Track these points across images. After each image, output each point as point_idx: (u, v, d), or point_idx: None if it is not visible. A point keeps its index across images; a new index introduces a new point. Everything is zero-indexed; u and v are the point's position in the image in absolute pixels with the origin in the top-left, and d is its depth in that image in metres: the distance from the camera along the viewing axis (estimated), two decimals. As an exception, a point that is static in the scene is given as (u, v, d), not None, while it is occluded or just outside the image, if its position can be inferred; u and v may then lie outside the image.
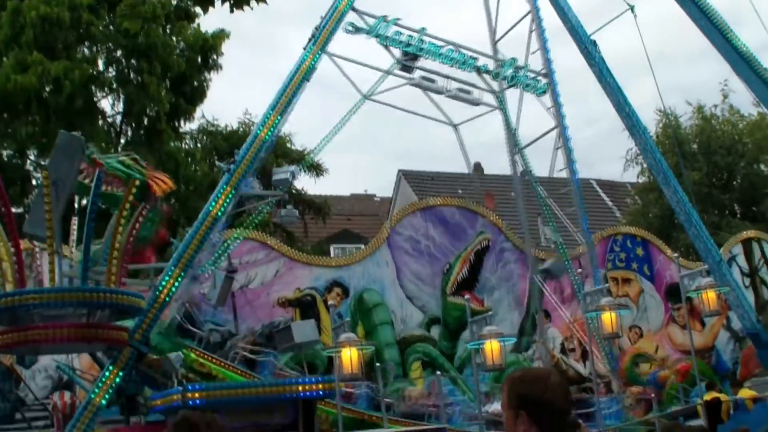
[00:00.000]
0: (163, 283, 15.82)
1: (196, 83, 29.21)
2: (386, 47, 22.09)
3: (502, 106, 24.62)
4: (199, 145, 32.59)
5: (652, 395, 19.74)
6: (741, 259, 28.42)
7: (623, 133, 26.15)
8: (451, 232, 24.25)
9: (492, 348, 15.21)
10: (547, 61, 24.32)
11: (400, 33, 21.99)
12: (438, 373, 20.74)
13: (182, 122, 30.10)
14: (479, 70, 23.54)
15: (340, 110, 22.52)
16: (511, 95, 24.58)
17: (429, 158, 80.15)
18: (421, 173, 41.89)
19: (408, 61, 22.26)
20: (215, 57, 29.56)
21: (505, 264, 24.71)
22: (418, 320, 23.28)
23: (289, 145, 33.82)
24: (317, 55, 18.25)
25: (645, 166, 35.22)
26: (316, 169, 34.00)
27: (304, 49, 18.55)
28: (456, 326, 22.89)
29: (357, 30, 21.34)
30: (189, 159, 28.86)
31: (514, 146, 24.80)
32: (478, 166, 45.52)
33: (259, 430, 13.85)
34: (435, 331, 23.36)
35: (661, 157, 25.58)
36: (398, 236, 23.70)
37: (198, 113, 30.95)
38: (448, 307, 23.37)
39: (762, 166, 38.68)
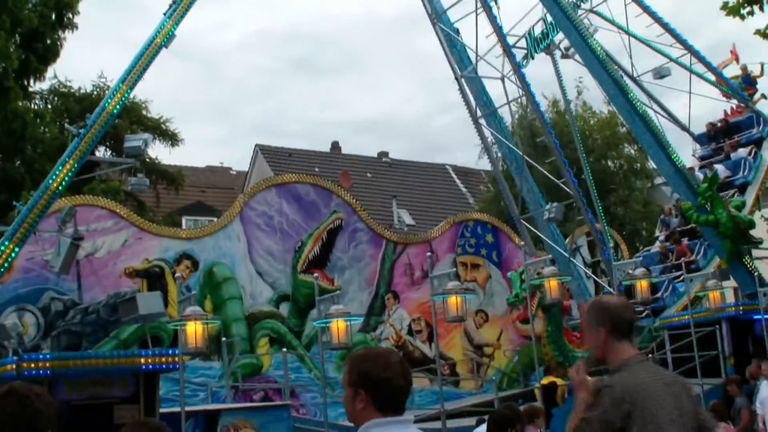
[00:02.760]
0: (2, 248, 15.21)
1: (48, 41, 28.04)
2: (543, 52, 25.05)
3: (605, 17, 26.35)
4: (49, 106, 31.44)
5: None
6: (585, 251, 29.41)
7: (479, 121, 26.54)
8: (305, 210, 24.19)
9: (338, 327, 15.28)
10: None
11: (540, 33, 24.77)
12: (285, 350, 20.73)
13: (32, 81, 28.88)
14: (578, 6, 25.27)
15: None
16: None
17: (287, 135, 79.93)
18: (279, 149, 41.69)
19: (553, 48, 25.58)
20: (71, 15, 28.46)
21: (357, 244, 24.83)
22: (267, 296, 23.14)
23: (144, 112, 33.04)
24: (177, 22, 17.78)
25: (499, 154, 36.02)
26: (172, 139, 33.36)
27: (164, 14, 18.06)
28: (305, 304, 22.86)
29: (526, 57, 24.53)
30: (38, 120, 27.75)
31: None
32: (335, 145, 45.70)
33: (97, 403, 13.47)
34: (284, 308, 23.29)
35: (514, 147, 26.19)
36: (251, 211, 23.46)
37: (50, 73, 29.81)
38: (298, 284, 23.34)
39: (609, 162, 40.19)
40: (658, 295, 24.14)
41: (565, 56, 26.17)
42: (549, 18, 24.89)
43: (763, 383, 14.12)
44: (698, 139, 27.12)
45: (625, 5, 25.68)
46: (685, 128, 27.58)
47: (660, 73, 26.69)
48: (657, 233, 26.57)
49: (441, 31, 24.58)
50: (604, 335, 4.28)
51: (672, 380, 4.27)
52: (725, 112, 27.31)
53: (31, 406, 3.25)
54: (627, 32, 25.48)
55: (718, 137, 26.79)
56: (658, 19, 25.64)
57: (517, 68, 23.58)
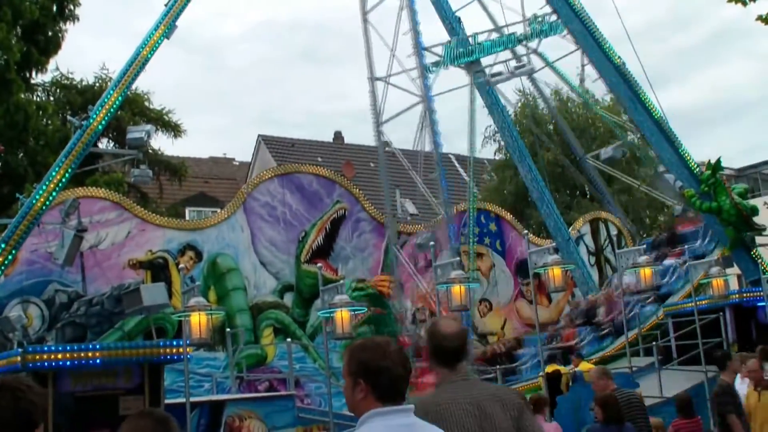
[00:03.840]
0: (6, 239, 15.26)
1: (50, 33, 28.01)
2: (459, 66, 24.35)
3: (547, 60, 25.89)
4: (51, 98, 31.40)
5: None
6: (588, 239, 29.45)
7: (482, 110, 26.59)
8: (308, 200, 24.22)
9: (342, 317, 15.27)
10: None
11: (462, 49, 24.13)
12: (289, 340, 20.76)
13: (34, 73, 28.87)
14: (519, 41, 24.70)
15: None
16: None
17: (291, 125, 79.83)
18: (282, 139, 41.64)
19: (476, 67, 24.44)
20: (72, 7, 28.44)
21: (361, 234, 24.87)
22: (271, 287, 23.20)
23: (147, 103, 33.01)
24: (178, 13, 17.78)
25: (502, 143, 36.04)
26: (174, 130, 33.34)
27: (166, 5, 18.06)
28: (309, 294, 22.93)
29: (438, 65, 23.92)
30: (40, 112, 27.73)
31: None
32: (338, 135, 45.64)
33: (103, 394, 13.51)
34: (288, 298, 23.34)
35: (517, 135, 26.19)
36: (254, 201, 23.50)
37: (52, 65, 29.79)
38: (301, 274, 23.40)
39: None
40: (516, 364, 24.04)
41: (489, 83, 24.97)
42: (481, 39, 24.36)
43: (737, 378, 14.09)
44: (644, 245, 26.38)
45: (583, 66, 25.23)
46: (632, 232, 26.89)
47: (612, 156, 25.90)
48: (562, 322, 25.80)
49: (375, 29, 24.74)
50: (427, 356, 4.59)
51: (484, 397, 4.31)
52: (676, 218, 26.78)
53: (24, 398, 3.22)
54: (578, 94, 25.13)
55: (661, 246, 26.25)
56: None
57: (423, 71, 23.32)
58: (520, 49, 25.09)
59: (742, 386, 13.41)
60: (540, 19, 24.25)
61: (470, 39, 24.32)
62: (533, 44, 25.05)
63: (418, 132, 24.47)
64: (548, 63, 25.79)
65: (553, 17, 24.40)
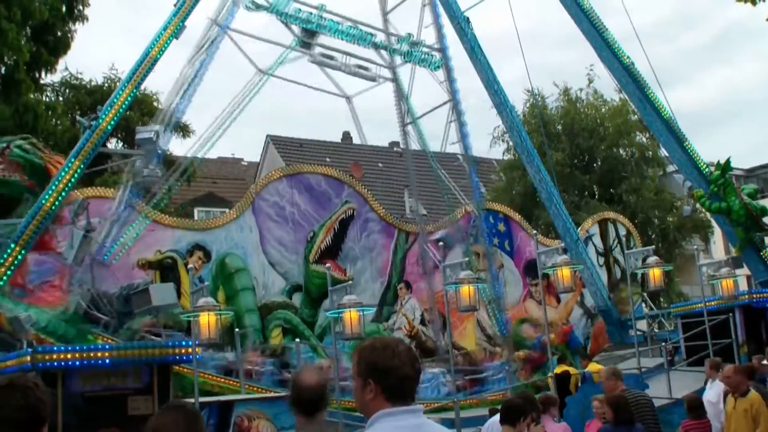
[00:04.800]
0: (17, 240, 15.32)
1: (59, 33, 28.07)
2: (286, 24, 22.17)
3: (396, 80, 25.11)
4: (61, 98, 31.48)
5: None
6: (597, 239, 29.37)
7: (491, 111, 26.58)
8: (317, 200, 24.20)
9: (351, 317, 15.31)
10: (441, 36, 24.62)
11: (299, 10, 22.12)
12: (297, 340, 20.77)
13: (43, 73, 28.91)
14: (376, 46, 23.86)
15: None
16: (406, 67, 24.97)
17: (299, 124, 79.86)
18: (290, 139, 41.69)
19: (307, 37, 22.43)
20: (81, 7, 28.49)
21: (369, 234, 24.83)
22: (280, 287, 23.17)
23: (156, 104, 33.05)
24: (187, 13, 17.82)
25: (511, 143, 35.97)
26: (183, 130, 33.37)
27: (175, 5, 18.10)
28: (318, 294, 22.89)
29: (258, 7, 21.35)
30: (49, 112, 27.79)
31: (406, 118, 25.16)
32: (347, 136, 45.68)
33: (112, 394, 13.56)
34: (297, 299, 23.32)
35: (526, 135, 26.14)
36: (263, 201, 23.48)
37: (61, 65, 29.84)
38: (310, 274, 23.37)
39: (621, 150, 40.08)
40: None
41: (315, 60, 23.24)
42: (331, 17, 22.80)
43: (709, 383, 14.03)
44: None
45: (451, 121, 25.15)
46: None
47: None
48: None
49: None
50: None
51: None
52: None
53: (34, 396, 3.27)
54: None
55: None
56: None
57: (225, 23, 20.53)
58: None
59: (711, 391, 13.35)
60: (419, 45, 24.05)
61: (317, 10, 22.51)
62: (390, 58, 24.76)
63: (446, 132, 24.24)
64: (398, 85, 25.33)
65: (436, 54, 24.28)
